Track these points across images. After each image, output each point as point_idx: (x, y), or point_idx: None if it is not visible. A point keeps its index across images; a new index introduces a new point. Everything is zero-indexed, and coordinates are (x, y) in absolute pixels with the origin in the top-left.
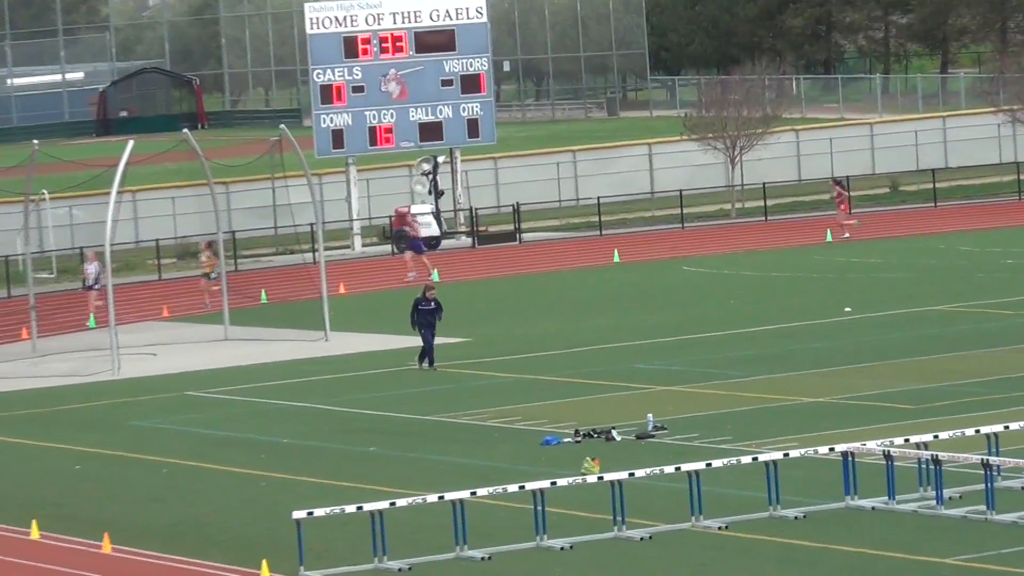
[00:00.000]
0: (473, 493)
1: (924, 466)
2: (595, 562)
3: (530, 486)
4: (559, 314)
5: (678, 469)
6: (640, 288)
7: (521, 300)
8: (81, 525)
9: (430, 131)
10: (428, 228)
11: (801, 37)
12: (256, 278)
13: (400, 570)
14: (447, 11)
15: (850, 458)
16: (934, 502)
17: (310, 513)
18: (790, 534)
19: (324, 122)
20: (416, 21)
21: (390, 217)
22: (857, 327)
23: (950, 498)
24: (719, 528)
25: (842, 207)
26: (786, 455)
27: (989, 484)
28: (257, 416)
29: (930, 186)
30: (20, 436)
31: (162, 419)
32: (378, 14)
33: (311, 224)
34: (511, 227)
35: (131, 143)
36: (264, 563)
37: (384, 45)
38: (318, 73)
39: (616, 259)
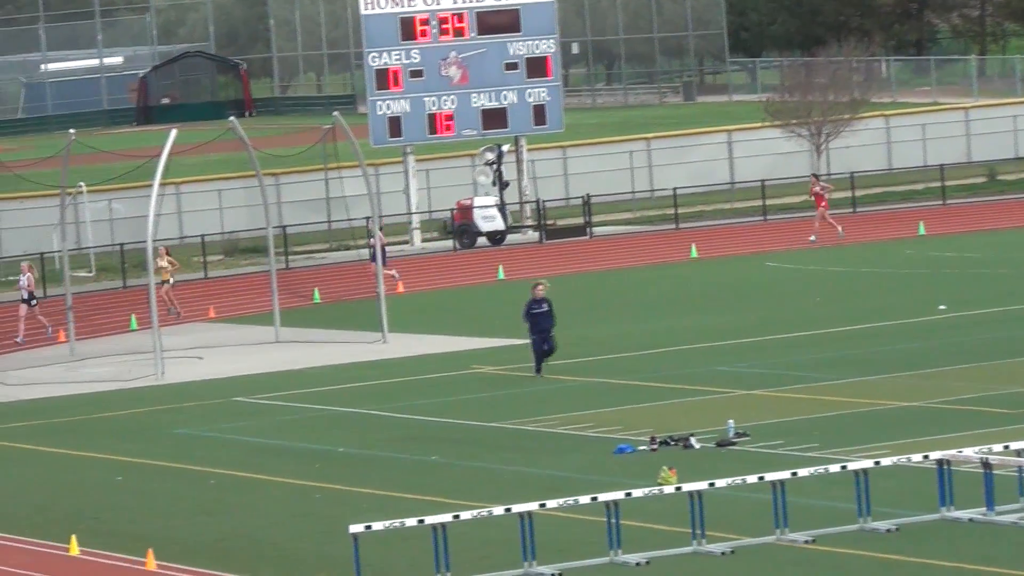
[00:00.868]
0: (542, 505)
1: None
2: None
3: (603, 497)
4: (632, 313)
5: (761, 479)
6: (719, 285)
7: (591, 299)
8: (123, 540)
9: (493, 118)
10: (492, 222)
11: (891, 16)
12: (308, 276)
13: None
14: None
15: (945, 467)
16: None
17: (368, 527)
18: (882, 548)
19: (380, 109)
20: (478, 0)
21: (451, 210)
22: (952, 326)
23: None
24: (805, 542)
25: (823, 204)
26: (877, 463)
27: None
28: (310, 423)
29: None
30: (57, 445)
31: (208, 427)
32: None
33: (367, 218)
34: (581, 220)
35: (174, 132)
36: None
37: (444, 26)
38: (373, 56)
39: (693, 254)
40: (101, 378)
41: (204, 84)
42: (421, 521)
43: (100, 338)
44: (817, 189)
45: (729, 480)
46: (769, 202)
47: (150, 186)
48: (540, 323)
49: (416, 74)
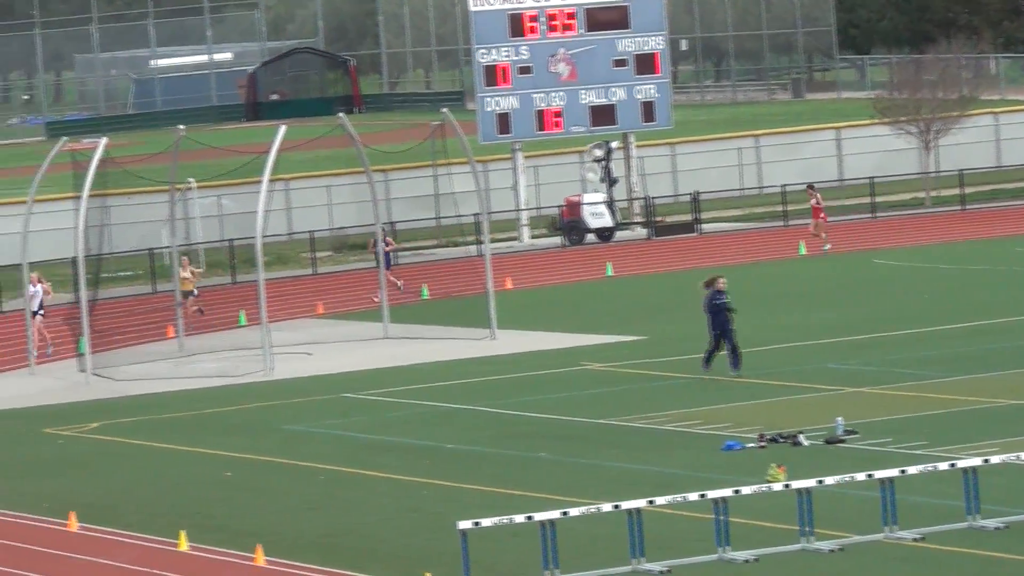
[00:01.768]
0: (650, 502)
1: None
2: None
3: (711, 494)
4: (740, 310)
5: (870, 476)
6: (827, 282)
7: (700, 295)
8: (232, 536)
9: (602, 115)
10: (601, 218)
11: (1000, 13)
12: (417, 272)
13: None
14: None
15: None
16: None
17: (476, 523)
18: (991, 546)
19: (489, 105)
20: None
21: (560, 207)
22: None
23: None
24: (914, 539)
25: (820, 215)
26: (986, 461)
27: None
28: (418, 420)
29: None
30: (166, 441)
31: (317, 423)
32: None
33: (475, 214)
34: (689, 217)
35: (283, 128)
36: None
37: (552, 23)
38: (482, 53)
39: (801, 251)
40: (210, 374)
41: (313, 80)
42: (529, 518)
43: (209, 334)
44: (813, 202)
45: (838, 477)
46: (878, 199)
47: (259, 182)
48: (721, 316)
49: (525, 70)
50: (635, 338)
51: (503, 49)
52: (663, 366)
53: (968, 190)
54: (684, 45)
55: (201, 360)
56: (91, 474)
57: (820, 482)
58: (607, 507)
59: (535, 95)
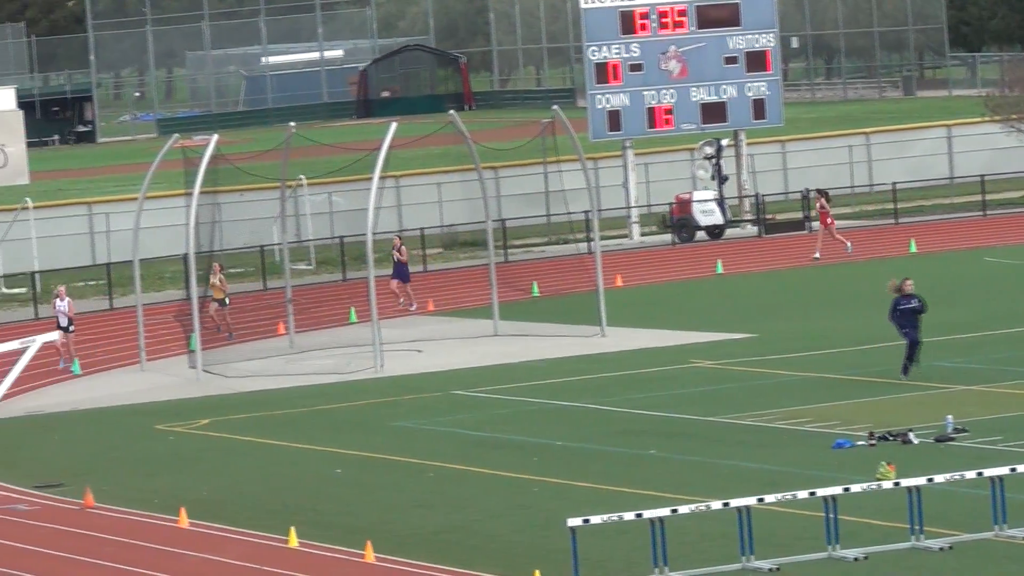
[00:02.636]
0: (760, 500)
1: None
2: (892, 574)
3: (821, 492)
4: (851, 308)
5: (980, 474)
6: (938, 280)
7: (810, 293)
8: (341, 532)
9: (713, 112)
10: (711, 216)
11: None
12: (527, 269)
13: None
14: None
15: None
16: None
17: (586, 520)
18: None
19: (599, 103)
20: None
21: (670, 204)
22: None
23: None
24: None
25: (828, 222)
26: None
27: None
28: (527, 417)
29: None
30: (276, 438)
31: (427, 419)
32: None
33: (586, 212)
34: (799, 215)
35: (394, 125)
36: (536, 573)
37: (663, 20)
38: (593, 50)
39: (912, 249)
40: (320, 370)
41: (424, 77)
42: (639, 515)
43: (319, 330)
44: (818, 206)
45: (947, 476)
46: (989, 197)
47: (370, 179)
48: (910, 319)
49: (636, 68)
50: (745, 336)
51: (614, 46)
52: (773, 364)
53: None
54: (795, 42)
55: (311, 357)
56: (202, 470)
57: (930, 480)
58: (716, 505)
59: (646, 92)
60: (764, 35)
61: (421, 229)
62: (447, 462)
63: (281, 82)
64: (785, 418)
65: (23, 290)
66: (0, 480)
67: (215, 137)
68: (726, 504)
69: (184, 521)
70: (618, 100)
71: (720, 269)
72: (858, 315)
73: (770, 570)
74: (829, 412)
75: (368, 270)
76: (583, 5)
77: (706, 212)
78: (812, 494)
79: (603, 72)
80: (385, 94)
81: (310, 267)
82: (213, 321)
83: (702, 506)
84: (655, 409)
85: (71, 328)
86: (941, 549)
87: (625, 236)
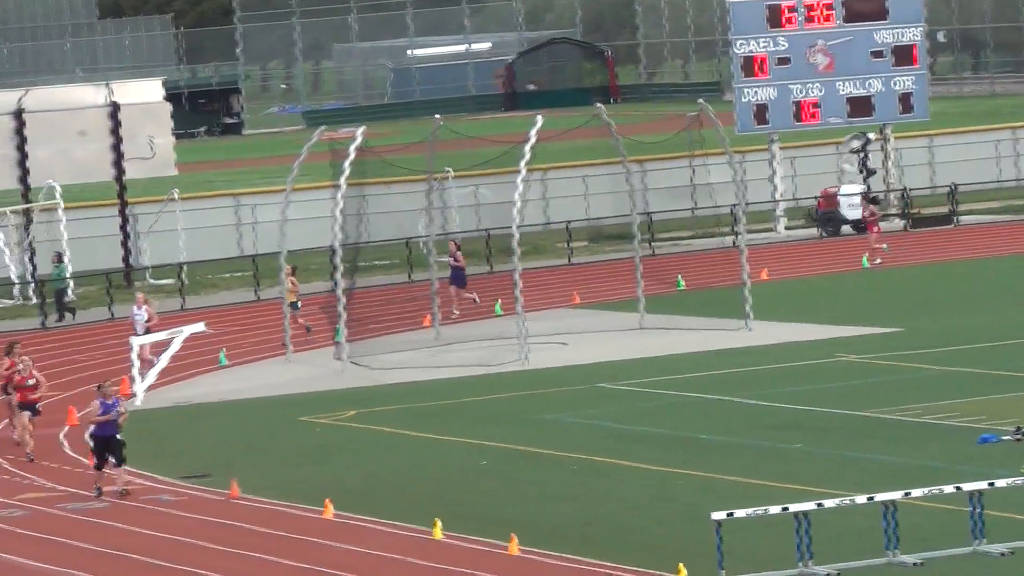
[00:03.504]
0: (905, 494)
1: None
2: None
3: (966, 487)
4: (998, 303)
5: None
6: None
7: (957, 288)
8: (486, 525)
9: (859, 106)
10: (857, 210)
11: None
12: (672, 263)
13: (827, 575)
14: None
15: None
16: None
17: (731, 514)
18: None
19: (746, 96)
20: None
21: (817, 198)
22: None
23: None
24: None
25: (874, 230)
26: None
27: None
28: (672, 410)
29: None
30: (422, 430)
31: (572, 412)
32: None
33: (732, 205)
34: (946, 209)
35: (540, 118)
36: (681, 567)
37: (810, 14)
38: (740, 44)
39: None
40: (466, 363)
41: (570, 70)
42: (784, 509)
43: (465, 323)
44: (866, 214)
45: None
46: None
47: (516, 172)
48: None
49: (782, 61)
50: (890, 330)
51: (761, 40)
52: (918, 358)
53: None
54: (942, 37)
55: (457, 349)
56: (347, 462)
57: None
58: (862, 499)
59: (792, 86)
60: (911, 29)
61: (567, 222)
62: (592, 455)
63: (428, 75)
64: (930, 413)
65: (170, 281)
66: (146, 470)
67: (362, 129)
68: (871, 498)
69: (329, 512)
70: (765, 94)
71: (866, 263)
72: (1005, 310)
73: (915, 565)
74: (975, 407)
75: (514, 263)
76: None
77: (852, 206)
78: (957, 489)
79: (750, 66)
80: (531, 87)
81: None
82: (300, 325)
83: (847, 500)
84: (800, 403)
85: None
86: None
87: (771, 230)
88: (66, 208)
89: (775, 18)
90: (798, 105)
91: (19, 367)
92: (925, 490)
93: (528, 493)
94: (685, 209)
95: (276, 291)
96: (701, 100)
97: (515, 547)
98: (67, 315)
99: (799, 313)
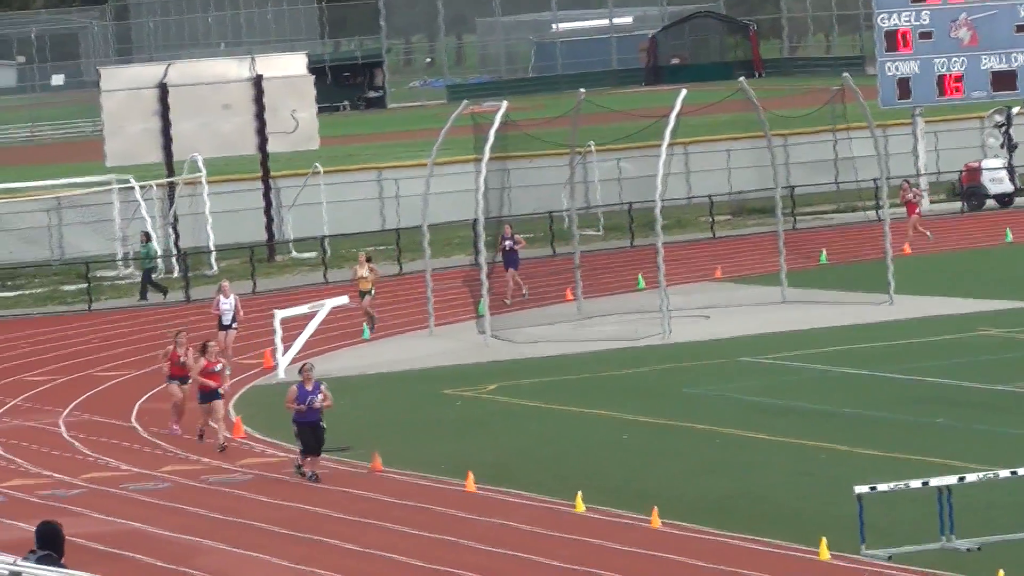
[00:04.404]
0: None
1: None
2: None
3: None
4: None
5: None
6: None
7: None
8: (628, 498)
9: (1003, 80)
10: (1000, 184)
11: None
12: (815, 237)
13: (969, 550)
14: None
15: None
16: None
17: (872, 488)
18: None
19: (889, 70)
20: None
21: (959, 172)
22: None
23: None
24: None
25: (915, 212)
26: None
27: None
28: (814, 384)
29: None
30: (564, 403)
31: (714, 386)
32: None
33: (875, 179)
34: None
35: (683, 92)
36: (822, 541)
37: None
38: (883, 18)
39: None
40: (608, 337)
41: (713, 45)
42: (926, 483)
43: (607, 296)
44: (909, 196)
45: None
46: None
47: (658, 146)
48: None
49: (926, 35)
50: None
51: (904, 14)
52: None
53: None
54: None
55: (599, 323)
56: (489, 435)
57: None
58: (1004, 473)
59: (936, 60)
60: None
61: (710, 196)
62: (733, 428)
63: (571, 49)
64: None
65: (313, 254)
66: (290, 443)
67: (505, 103)
68: (1014, 473)
69: (471, 485)
70: (908, 68)
71: (1009, 237)
72: None
73: None
74: None
75: (657, 236)
76: None
77: (995, 180)
78: None
79: (893, 40)
80: (674, 61)
81: (598, 233)
82: (367, 314)
83: (989, 475)
84: (942, 377)
85: (234, 325)
86: None
87: None
88: (209, 182)
89: None
90: (941, 79)
91: (205, 356)
92: None
93: (669, 467)
94: (828, 183)
95: (419, 264)
96: (844, 74)
97: (656, 520)
98: (157, 294)
99: (941, 287)
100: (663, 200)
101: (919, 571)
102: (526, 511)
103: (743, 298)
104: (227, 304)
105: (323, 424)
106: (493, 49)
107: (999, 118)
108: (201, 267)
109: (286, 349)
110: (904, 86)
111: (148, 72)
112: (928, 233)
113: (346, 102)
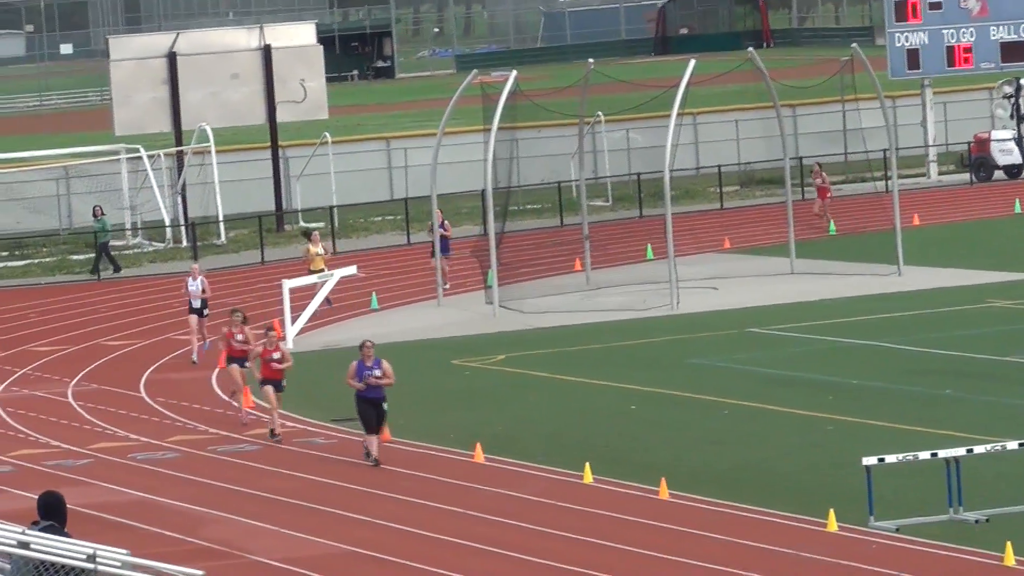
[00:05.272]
0: None
1: None
2: None
3: None
4: None
5: None
6: None
7: None
8: (636, 469)
9: (1012, 51)
10: (1009, 156)
11: None
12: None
13: (977, 521)
14: None
15: None
16: None
17: (881, 459)
18: None
19: (898, 41)
20: None
21: (969, 143)
22: None
23: None
24: None
25: (826, 197)
26: None
27: None
28: (823, 355)
29: None
30: (572, 374)
31: (722, 357)
32: None
33: (884, 150)
34: None
35: (692, 62)
36: (830, 512)
37: None
38: None
39: None
40: (616, 307)
41: (722, 15)
42: (934, 454)
43: (616, 267)
44: (818, 181)
45: None
46: None
47: (667, 116)
48: None
49: (935, 6)
50: None
51: None
52: None
53: None
54: None
55: (608, 293)
56: (497, 406)
57: None
58: (1012, 445)
59: (945, 31)
60: None
61: (718, 166)
62: (741, 399)
63: (579, 19)
64: None
65: (321, 224)
66: (298, 413)
67: (514, 73)
68: (1022, 444)
69: (480, 456)
70: (917, 38)
71: (1018, 208)
72: None
73: None
74: None
75: (665, 207)
76: None
77: (1005, 151)
78: None
79: (902, 10)
80: (683, 31)
81: (607, 204)
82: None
83: (998, 446)
84: (951, 348)
85: (205, 312)
86: None
87: (923, 175)
88: (218, 151)
89: None
90: (951, 50)
91: (264, 342)
92: None
93: (677, 437)
94: (837, 154)
95: (426, 235)
96: (854, 45)
97: (664, 491)
98: (110, 268)
99: (950, 258)
100: (672, 171)
101: (927, 543)
102: (535, 482)
103: (751, 269)
104: (194, 287)
105: (385, 406)
106: (502, 19)
107: (1008, 89)
108: (210, 237)
109: (294, 319)
110: (913, 57)
111: (157, 41)
112: (831, 224)
113: (355, 72)
